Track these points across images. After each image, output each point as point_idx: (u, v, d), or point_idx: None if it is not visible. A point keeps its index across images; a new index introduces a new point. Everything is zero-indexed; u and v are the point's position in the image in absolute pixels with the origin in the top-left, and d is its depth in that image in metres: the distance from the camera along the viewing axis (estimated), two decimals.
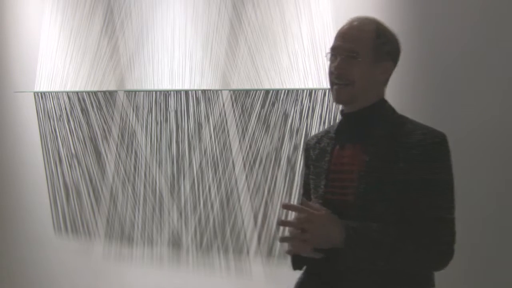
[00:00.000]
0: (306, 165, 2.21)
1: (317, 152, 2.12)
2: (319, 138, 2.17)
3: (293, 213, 1.95)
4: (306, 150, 2.21)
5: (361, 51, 1.96)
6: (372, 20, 2.04)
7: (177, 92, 3.75)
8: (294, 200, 3.36)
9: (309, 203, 1.93)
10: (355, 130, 2.03)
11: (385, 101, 2.04)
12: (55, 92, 4.21)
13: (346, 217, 1.90)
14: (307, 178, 2.19)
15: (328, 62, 2.05)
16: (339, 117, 2.13)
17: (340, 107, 2.10)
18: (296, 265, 2.10)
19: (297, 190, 3.35)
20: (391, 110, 2.03)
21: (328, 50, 2.04)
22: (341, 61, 1.98)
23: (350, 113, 2.04)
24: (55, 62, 4.20)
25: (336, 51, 2.00)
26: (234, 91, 3.56)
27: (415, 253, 1.85)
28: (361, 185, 1.93)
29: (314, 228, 1.87)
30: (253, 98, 3.50)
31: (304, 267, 2.09)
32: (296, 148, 3.37)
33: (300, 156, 3.35)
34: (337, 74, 1.99)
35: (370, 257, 1.85)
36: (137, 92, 3.90)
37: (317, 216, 1.88)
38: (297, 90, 3.35)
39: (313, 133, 3.30)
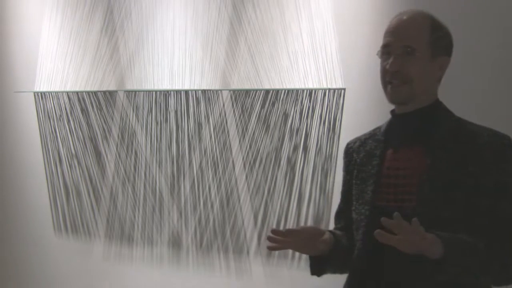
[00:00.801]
0: (347, 170, 2.04)
1: (362, 156, 1.97)
2: (363, 141, 2.01)
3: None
4: (348, 154, 2.05)
5: (418, 46, 1.83)
6: (425, 13, 1.90)
7: (177, 92, 3.75)
8: (294, 201, 3.36)
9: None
10: (411, 132, 1.88)
11: (441, 102, 1.91)
12: (55, 92, 4.21)
13: None
14: (349, 185, 2.02)
15: (380, 60, 1.91)
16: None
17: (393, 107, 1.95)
18: (315, 271, 2.00)
19: (297, 190, 3.35)
20: (449, 111, 1.91)
21: (379, 49, 1.91)
22: (397, 58, 1.83)
23: (404, 114, 1.89)
24: (55, 62, 4.20)
25: (390, 48, 1.86)
26: (234, 91, 3.56)
27: (503, 264, 1.75)
28: (424, 190, 1.79)
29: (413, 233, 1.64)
30: (253, 98, 3.50)
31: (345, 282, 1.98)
32: (296, 148, 3.36)
33: (300, 156, 3.35)
34: (393, 73, 1.84)
35: (469, 269, 1.72)
36: (137, 92, 3.90)
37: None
38: (297, 90, 3.35)
39: (313, 133, 3.30)
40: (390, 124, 1.96)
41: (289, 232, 1.88)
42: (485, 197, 1.77)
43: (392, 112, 1.94)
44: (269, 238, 1.87)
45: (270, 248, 1.90)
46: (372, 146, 1.96)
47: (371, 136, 2.00)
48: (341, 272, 2.04)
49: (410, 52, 1.83)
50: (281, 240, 1.87)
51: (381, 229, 1.63)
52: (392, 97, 1.88)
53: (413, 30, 1.85)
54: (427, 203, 1.78)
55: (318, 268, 2.00)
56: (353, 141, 2.06)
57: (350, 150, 2.05)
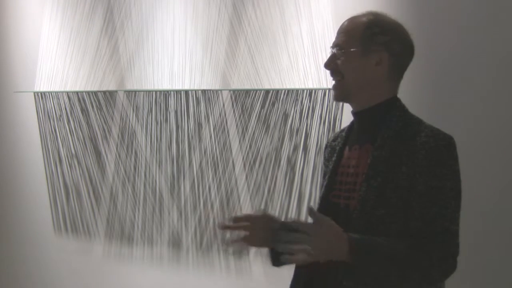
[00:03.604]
0: (322, 166, 2.11)
1: (329, 151, 2.03)
2: (336, 137, 2.05)
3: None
4: (325, 149, 2.10)
5: (347, 44, 1.87)
6: (368, 12, 1.92)
7: (177, 92, 3.75)
8: (294, 201, 3.36)
9: (316, 213, 1.71)
10: (363, 131, 1.91)
11: (397, 100, 1.90)
12: (55, 92, 4.21)
13: (348, 222, 1.79)
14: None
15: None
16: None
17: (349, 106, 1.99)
18: (275, 262, 2.02)
19: (297, 190, 3.35)
20: (402, 109, 1.89)
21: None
22: (330, 56, 1.91)
23: (357, 112, 1.92)
24: (55, 62, 4.21)
25: (331, 48, 1.94)
26: (234, 91, 3.56)
27: (423, 268, 1.72)
28: (362, 189, 1.81)
29: (318, 242, 1.66)
30: (253, 98, 3.50)
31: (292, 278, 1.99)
32: (296, 148, 3.37)
33: (300, 156, 3.35)
34: (329, 70, 1.92)
35: (378, 273, 1.71)
36: (137, 92, 3.90)
37: (321, 230, 1.67)
38: (297, 90, 3.35)
39: (313, 133, 3.30)
40: (351, 122, 2.00)
41: (237, 220, 1.97)
42: (416, 200, 1.76)
43: (352, 111, 1.96)
44: (224, 228, 1.98)
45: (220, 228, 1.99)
46: (336, 143, 2.02)
47: (340, 132, 2.05)
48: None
49: (339, 50, 1.89)
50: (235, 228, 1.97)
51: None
52: (332, 95, 1.95)
53: (347, 29, 1.90)
54: (365, 202, 1.80)
55: (272, 258, 2.03)
56: (331, 137, 2.12)
57: (326, 145, 2.10)
